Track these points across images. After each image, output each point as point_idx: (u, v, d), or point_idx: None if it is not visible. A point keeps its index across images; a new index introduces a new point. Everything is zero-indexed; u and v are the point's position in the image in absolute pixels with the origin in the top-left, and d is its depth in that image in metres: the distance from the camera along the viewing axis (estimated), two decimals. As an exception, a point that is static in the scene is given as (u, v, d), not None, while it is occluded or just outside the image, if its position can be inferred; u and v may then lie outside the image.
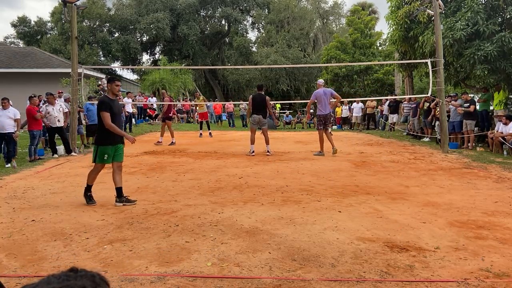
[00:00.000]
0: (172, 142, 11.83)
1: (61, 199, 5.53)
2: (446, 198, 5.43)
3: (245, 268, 3.24)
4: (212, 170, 7.64)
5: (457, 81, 13.17)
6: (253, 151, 9.71)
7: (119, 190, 5.23)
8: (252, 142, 9.78)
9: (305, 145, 10.17)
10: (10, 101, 8.95)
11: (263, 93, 9.97)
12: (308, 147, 10.34)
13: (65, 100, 11.75)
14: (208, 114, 15.95)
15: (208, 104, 17.82)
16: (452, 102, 11.61)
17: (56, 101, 10.13)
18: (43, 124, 9.66)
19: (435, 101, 11.91)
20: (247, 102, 10.55)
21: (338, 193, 5.75)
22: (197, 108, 14.64)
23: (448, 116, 11.26)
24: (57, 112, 9.79)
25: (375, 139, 13.71)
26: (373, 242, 3.79)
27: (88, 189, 5.30)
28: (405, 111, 15.49)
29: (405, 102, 15.49)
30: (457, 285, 2.93)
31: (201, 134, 14.78)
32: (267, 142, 9.84)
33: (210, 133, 14.56)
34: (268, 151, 9.77)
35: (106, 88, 6.03)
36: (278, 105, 22.25)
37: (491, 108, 11.96)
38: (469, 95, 12.19)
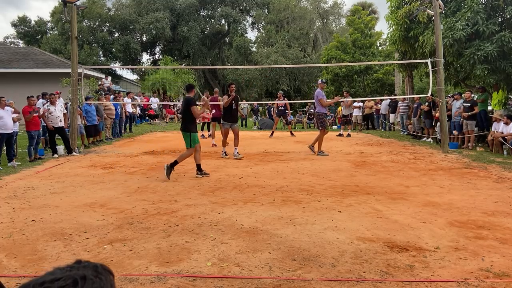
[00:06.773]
0: (213, 143, 11.79)
1: (61, 199, 5.53)
2: (446, 198, 5.43)
3: (245, 268, 3.24)
4: (212, 170, 7.64)
5: (457, 81, 13.18)
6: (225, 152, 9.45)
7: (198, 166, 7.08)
8: (224, 144, 9.45)
9: (305, 145, 10.18)
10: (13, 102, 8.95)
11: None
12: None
13: None
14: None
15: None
16: (455, 97, 11.59)
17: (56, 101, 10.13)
18: (43, 124, 9.64)
19: (433, 102, 11.95)
20: (249, 102, 10.45)
21: (338, 193, 5.75)
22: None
23: (449, 116, 11.26)
24: (59, 112, 9.78)
25: (375, 139, 13.70)
26: (373, 242, 3.79)
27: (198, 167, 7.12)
28: (400, 110, 15.41)
29: (400, 101, 15.45)
30: (457, 285, 2.93)
31: (202, 135, 14.69)
32: (236, 144, 9.25)
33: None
34: (237, 153, 9.23)
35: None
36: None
37: (489, 108, 11.96)
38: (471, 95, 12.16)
